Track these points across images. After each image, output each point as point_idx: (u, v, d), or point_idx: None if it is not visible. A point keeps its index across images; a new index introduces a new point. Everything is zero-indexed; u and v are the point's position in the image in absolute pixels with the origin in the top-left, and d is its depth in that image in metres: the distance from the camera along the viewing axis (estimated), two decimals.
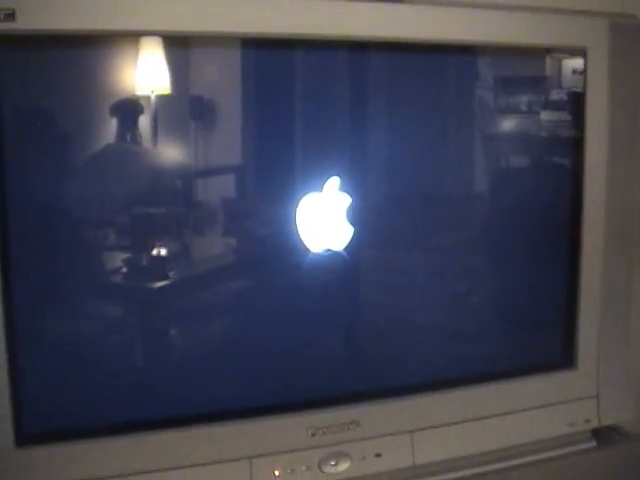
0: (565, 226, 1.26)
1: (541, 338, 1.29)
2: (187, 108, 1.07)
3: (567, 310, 1.27)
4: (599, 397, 1.29)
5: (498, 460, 1.25)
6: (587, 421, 1.29)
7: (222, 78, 1.09)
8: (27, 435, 0.99)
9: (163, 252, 1.08)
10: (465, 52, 1.19)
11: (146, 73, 1.01)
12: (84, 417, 1.03)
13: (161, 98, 1.03)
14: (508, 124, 1.27)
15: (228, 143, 1.11)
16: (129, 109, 1.03)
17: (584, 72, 1.21)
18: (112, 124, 1.02)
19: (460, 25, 1.14)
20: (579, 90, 1.22)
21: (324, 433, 1.12)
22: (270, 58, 1.09)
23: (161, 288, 1.08)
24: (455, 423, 1.20)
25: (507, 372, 1.24)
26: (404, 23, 1.11)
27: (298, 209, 1.08)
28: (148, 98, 1.02)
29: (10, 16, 0.91)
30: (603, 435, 1.34)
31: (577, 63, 1.22)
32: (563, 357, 1.28)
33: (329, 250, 1.11)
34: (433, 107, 1.22)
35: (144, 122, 1.03)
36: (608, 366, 1.29)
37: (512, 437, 1.25)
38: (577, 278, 1.25)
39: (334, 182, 1.10)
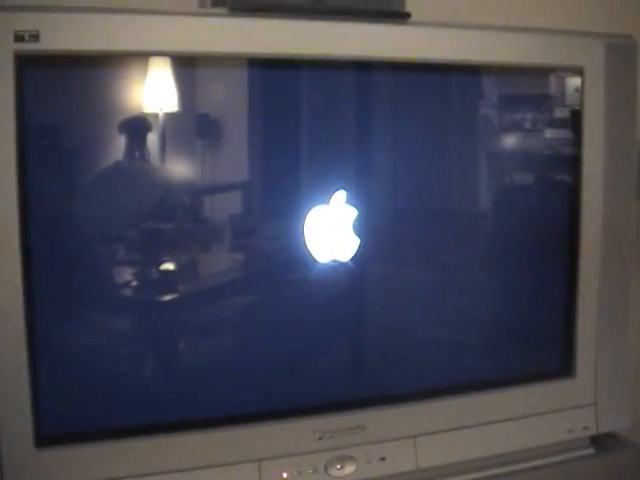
0: (563, 239, 1.29)
1: (541, 348, 1.31)
2: (195, 126, 1.11)
3: (566, 321, 1.29)
4: (597, 405, 1.31)
5: (498, 465, 1.27)
6: (585, 428, 1.31)
7: (229, 96, 1.12)
8: (46, 437, 1.02)
9: (172, 266, 1.11)
10: (467, 71, 1.22)
11: (156, 92, 1.05)
12: (101, 420, 1.06)
13: (169, 116, 1.06)
14: (511, 141, 1.30)
15: (236, 159, 1.14)
16: (140, 126, 1.06)
17: (581, 90, 1.24)
18: (125, 141, 1.05)
19: (463, 46, 1.17)
20: (577, 107, 1.25)
21: (331, 437, 1.14)
22: (277, 77, 1.12)
23: (175, 300, 1.11)
24: (457, 429, 1.22)
25: (508, 380, 1.27)
26: (408, 44, 1.14)
27: (306, 221, 1.11)
28: (156, 116, 1.05)
29: (34, 37, 0.95)
30: (601, 442, 1.35)
31: (578, 81, 1.24)
32: (562, 366, 1.30)
33: (336, 261, 1.14)
34: (437, 124, 1.25)
35: (154, 139, 1.06)
36: (606, 374, 1.31)
37: (512, 443, 1.27)
38: (575, 290, 1.28)
39: (341, 195, 1.13)
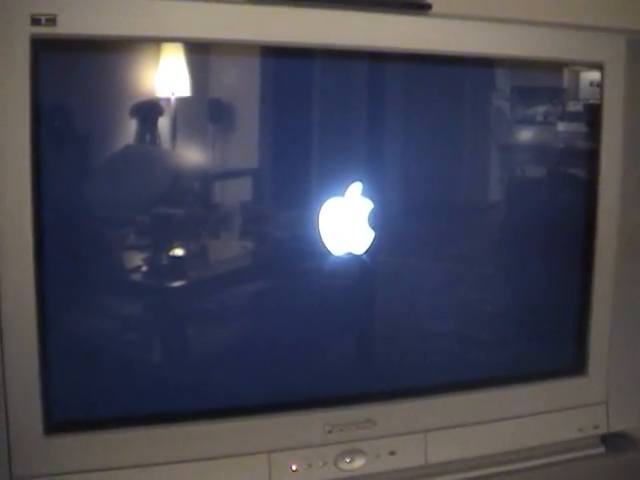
0: (578, 235, 1.28)
1: (553, 344, 1.31)
2: (208, 113, 1.10)
3: (579, 317, 1.29)
4: (608, 403, 1.31)
5: (507, 462, 1.27)
6: (596, 427, 1.31)
7: (244, 84, 1.12)
8: (55, 423, 1.02)
9: (184, 252, 1.10)
10: (484, 64, 1.21)
11: (170, 77, 1.04)
12: (111, 408, 1.06)
13: (183, 102, 1.06)
14: (525, 135, 1.29)
15: (251, 148, 1.14)
16: (153, 112, 1.05)
17: (601, 86, 1.23)
18: (138, 126, 1.05)
19: (482, 38, 1.16)
20: (596, 102, 1.24)
21: (341, 430, 1.14)
22: (293, 66, 1.12)
23: (185, 287, 1.11)
24: (467, 425, 1.22)
25: (519, 377, 1.26)
26: (426, 35, 1.13)
27: (321, 213, 1.11)
28: (170, 101, 1.05)
29: (51, 21, 0.94)
30: (611, 441, 1.35)
31: (594, 75, 1.24)
32: (574, 364, 1.29)
33: (350, 254, 1.13)
34: (452, 117, 1.24)
35: (168, 125, 1.06)
36: (618, 373, 1.31)
37: (522, 440, 1.26)
38: (589, 286, 1.27)
39: (356, 187, 1.12)
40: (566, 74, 1.28)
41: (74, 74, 1.01)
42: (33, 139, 0.96)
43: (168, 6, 1.01)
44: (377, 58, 1.14)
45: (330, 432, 1.14)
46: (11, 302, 0.98)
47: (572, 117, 1.29)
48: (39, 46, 0.95)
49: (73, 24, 0.96)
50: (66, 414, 1.03)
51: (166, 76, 1.04)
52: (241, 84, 1.12)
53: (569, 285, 1.29)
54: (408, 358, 1.22)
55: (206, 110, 1.10)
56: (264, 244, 1.15)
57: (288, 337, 1.14)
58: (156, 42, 1.03)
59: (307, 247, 1.12)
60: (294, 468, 1.13)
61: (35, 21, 0.94)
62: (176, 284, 1.11)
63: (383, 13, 1.10)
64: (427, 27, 1.13)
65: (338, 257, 1.13)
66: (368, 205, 1.14)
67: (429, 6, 1.14)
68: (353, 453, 1.15)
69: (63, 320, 1.03)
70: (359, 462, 1.16)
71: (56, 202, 1.01)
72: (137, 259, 1.08)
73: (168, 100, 1.05)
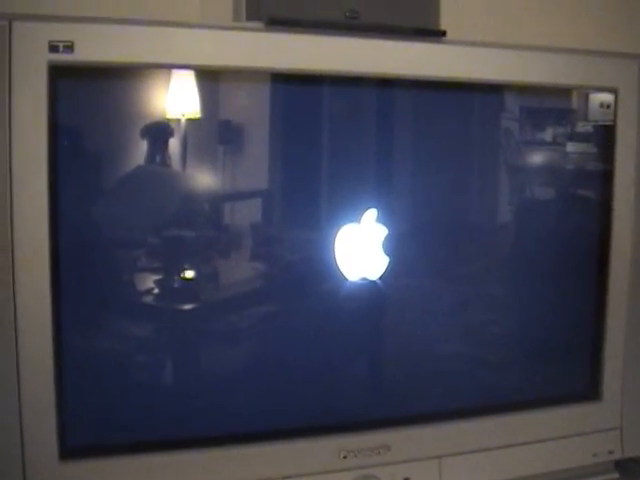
0: (592, 258, 1.27)
1: (567, 370, 1.30)
2: (226, 139, 1.10)
3: (592, 342, 1.28)
4: (623, 429, 1.30)
5: None
6: (610, 452, 1.30)
7: (261, 110, 1.12)
8: (71, 449, 1.02)
9: (195, 274, 1.11)
10: (496, 90, 1.22)
11: (187, 104, 1.05)
12: (126, 433, 1.06)
13: (201, 129, 1.07)
14: (536, 157, 1.29)
15: (266, 173, 1.15)
16: (172, 140, 1.06)
17: (614, 110, 1.23)
18: (155, 153, 1.06)
19: (496, 65, 1.17)
20: (608, 124, 1.24)
21: (355, 456, 1.14)
22: (310, 93, 1.13)
23: (194, 310, 1.11)
24: (482, 450, 1.22)
25: (533, 402, 1.26)
26: (443, 62, 1.14)
27: (337, 238, 1.11)
28: (186, 127, 1.05)
29: (69, 48, 0.95)
30: (626, 467, 1.34)
31: (604, 97, 1.24)
32: (588, 389, 1.29)
33: (365, 279, 1.13)
34: (464, 142, 1.24)
35: (185, 152, 1.07)
36: (632, 398, 1.30)
37: (536, 466, 1.26)
38: (603, 310, 1.27)
39: (372, 214, 1.13)
40: (576, 96, 1.28)
41: (91, 100, 1.02)
42: (50, 162, 0.97)
43: (186, 34, 1.02)
44: (390, 85, 1.15)
45: (345, 458, 1.13)
46: (27, 325, 0.98)
47: (584, 139, 1.29)
48: (57, 73, 0.96)
49: (91, 51, 0.97)
50: (82, 439, 1.03)
51: (177, 99, 1.05)
52: (257, 110, 1.12)
53: (582, 310, 1.29)
54: (422, 383, 1.22)
55: (224, 137, 1.10)
56: (279, 271, 1.15)
57: (302, 362, 1.14)
58: (174, 70, 1.04)
59: (323, 272, 1.12)
60: None
61: (53, 48, 0.95)
62: (187, 306, 1.11)
63: (397, 40, 1.10)
64: (443, 54, 1.14)
65: (353, 282, 1.13)
66: (383, 231, 1.14)
67: (443, 33, 1.15)
68: (367, 479, 1.15)
69: (78, 344, 1.03)
70: None
71: (72, 224, 1.01)
72: (148, 281, 1.08)
73: (179, 123, 1.06)
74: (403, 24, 1.11)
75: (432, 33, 1.13)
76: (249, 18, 1.13)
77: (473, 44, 1.15)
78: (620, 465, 1.34)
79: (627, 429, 1.30)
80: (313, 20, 1.07)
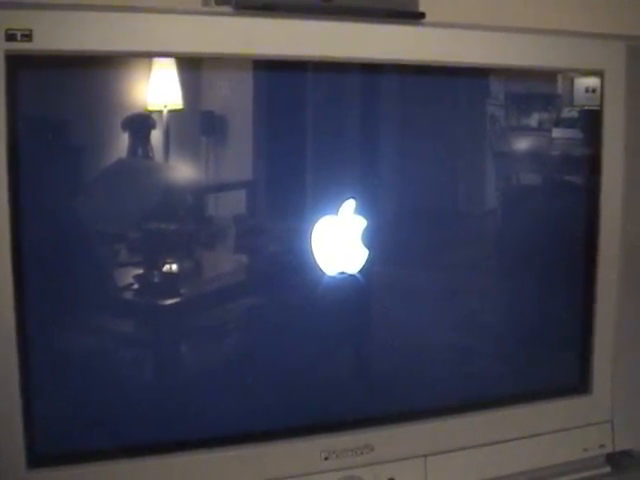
0: (580, 246, 1.25)
1: (556, 363, 1.28)
2: (198, 127, 1.07)
3: (582, 335, 1.26)
4: (614, 422, 1.28)
5: None
6: (602, 446, 1.28)
7: (234, 98, 1.09)
8: (39, 456, 0.98)
9: (175, 268, 1.07)
10: (480, 74, 1.19)
11: (155, 92, 1.01)
12: (97, 439, 1.03)
13: (169, 117, 1.03)
14: (522, 142, 1.27)
15: (242, 164, 1.11)
16: (141, 124, 1.03)
17: (601, 93, 1.21)
18: (125, 139, 1.02)
19: (478, 48, 1.14)
20: (593, 108, 1.22)
21: (338, 457, 1.11)
22: (284, 79, 1.09)
23: (173, 305, 1.08)
24: (468, 447, 1.19)
25: (522, 397, 1.23)
26: (422, 45, 1.11)
27: (314, 231, 1.08)
28: (156, 116, 1.02)
29: (27, 36, 0.91)
30: (617, 460, 1.33)
31: (590, 81, 1.22)
32: (578, 382, 1.27)
33: (343, 273, 1.10)
34: (447, 128, 1.22)
35: (155, 139, 1.03)
36: (623, 391, 1.28)
37: (526, 462, 1.24)
38: (592, 302, 1.24)
39: (350, 205, 1.09)
40: (569, 82, 1.25)
41: (53, 92, 0.97)
42: (10, 158, 0.93)
43: (151, 19, 0.98)
44: (370, 69, 1.11)
45: (327, 459, 1.11)
46: None
47: (570, 124, 1.27)
48: (15, 63, 0.91)
49: (51, 39, 0.93)
50: (50, 447, 1.00)
51: (150, 91, 1.01)
52: (230, 98, 1.09)
53: (572, 301, 1.26)
54: (406, 380, 1.19)
55: (196, 125, 1.07)
56: (256, 268, 1.13)
57: (281, 361, 1.12)
58: (140, 57, 1.00)
59: (300, 268, 1.09)
60: None
61: (10, 37, 0.91)
62: (167, 301, 1.08)
63: (375, 23, 1.07)
64: (422, 37, 1.11)
65: (332, 277, 1.10)
66: (362, 223, 1.10)
67: (422, 15, 1.12)
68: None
69: (47, 344, 1.00)
70: None
71: (37, 221, 0.97)
72: (127, 276, 1.05)
73: (154, 115, 1.02)
74: (379, 6, 1.07)
75: (410, 15, 1.10)
76: (218, 3, 1.09)
77: (453, 26, 1.12)
78: (612, 459, 1.32)
79: (618, 422, 1.29)
80: (283, 3, 1.03)
